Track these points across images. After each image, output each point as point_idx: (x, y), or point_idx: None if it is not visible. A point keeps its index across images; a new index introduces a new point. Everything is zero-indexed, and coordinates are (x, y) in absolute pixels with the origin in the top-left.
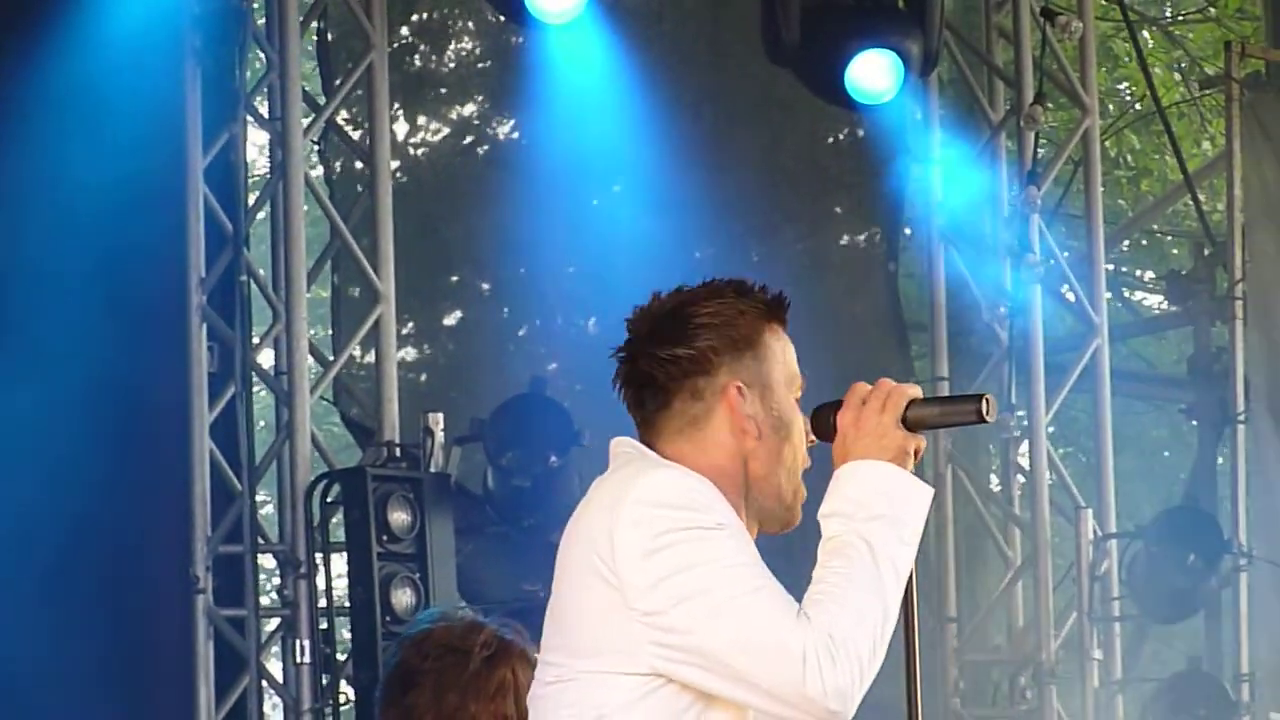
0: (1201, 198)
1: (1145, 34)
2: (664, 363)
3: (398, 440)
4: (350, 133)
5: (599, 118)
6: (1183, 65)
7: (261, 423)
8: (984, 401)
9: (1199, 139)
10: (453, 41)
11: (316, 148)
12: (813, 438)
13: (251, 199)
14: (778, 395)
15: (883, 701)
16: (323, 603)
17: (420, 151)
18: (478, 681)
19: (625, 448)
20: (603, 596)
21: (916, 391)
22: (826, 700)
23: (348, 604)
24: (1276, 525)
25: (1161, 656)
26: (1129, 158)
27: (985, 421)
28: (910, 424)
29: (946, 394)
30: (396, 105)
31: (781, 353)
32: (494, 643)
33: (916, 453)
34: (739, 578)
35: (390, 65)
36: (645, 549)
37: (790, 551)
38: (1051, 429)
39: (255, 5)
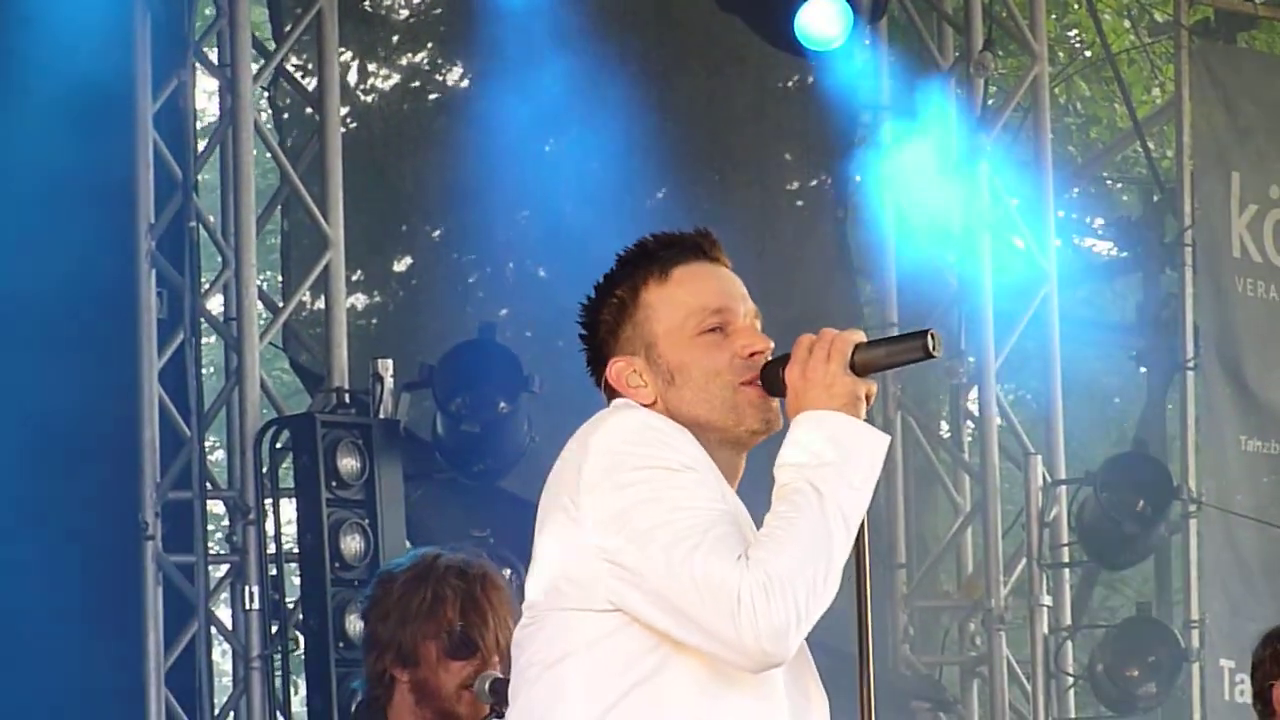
0: (1151, 145)
1: None
2: (590, 365)
3: (347, 386)
4: (300, 79)
5: (550, 65)
6: (1132, 12)
7: (210, 369)
8: (929, 336)
9: (1149, 86)
10: None
11: (266, 94)
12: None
13: (201, 145)
14: (661, 347)
15: (832, 646)
16: (272, 549)
17: (371, 98)
18: (400, 607)
19: (619, 402)
20: (568, 532)
21: (860, 336)
22: (760, 640)
23: (296, 550)
24: (1226, 471)
25: (1110, 602)
26: (1078, 105)
27: (932, 356)
28: (858, 369)
29: (890, 334)
30: (347, 52)
31: (665, 301)
32: (418, 567)
33: (868, 397)
34: (693, 518)
35: (341, 11)
36: (609, 485)
37: None
38: (1001, 375)
39: None
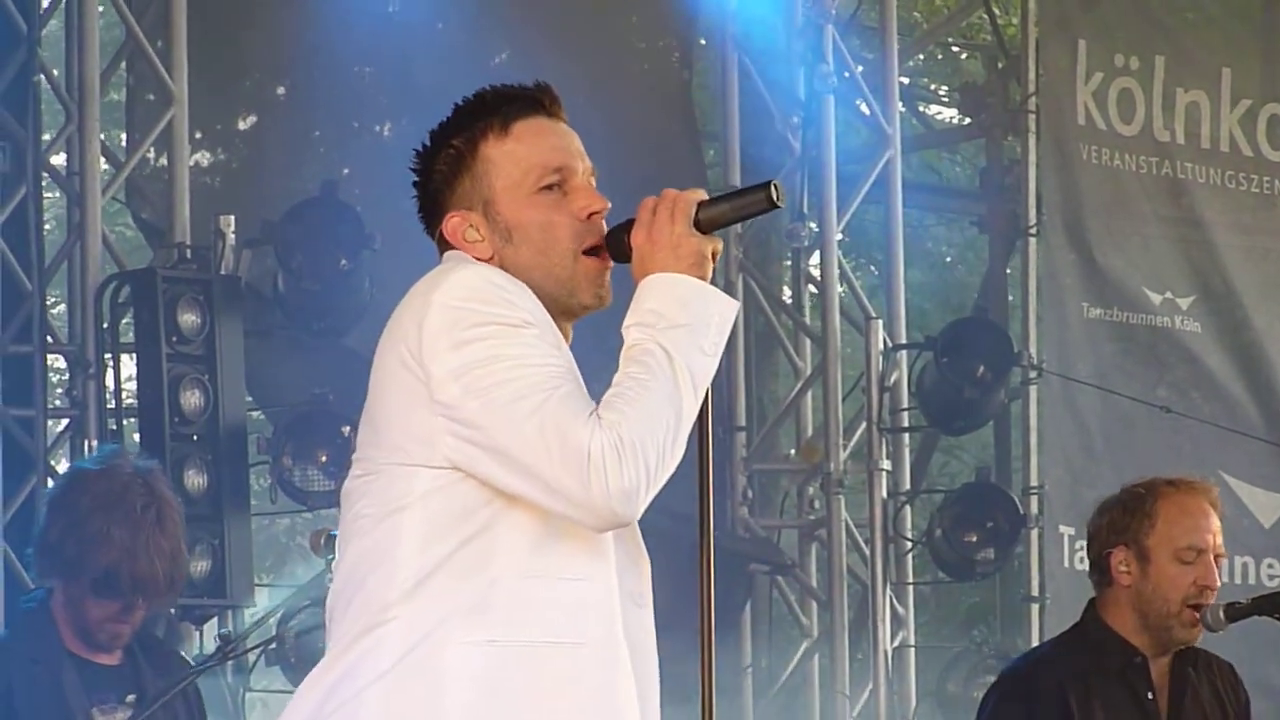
0: (996, 11)
1: None
2: (422, 214)
3: (189, 242)
4: None
5: None
6: None
7: (52, 223)
8: (772, 187)
9: None
10: None
11: None
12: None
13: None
14: (500, 203)
15: (670, 508)
16: (112, 404)
17: None
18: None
19: (454, 256)
20: (408, 387)
21: (702, 194)
22: (610, 500)
23: (136, 405)
24: (1066, 338)
25: (950, 468)
26: None
27: (777, 207)
28: (703, 226)
29: (731, 190)
30: None
31: (505, 155)
32: (103, 487)
33: (714, 255)
34: (537, 375)
35: None
36: (450, 341)
37: None
38: (843, 240)
39: None
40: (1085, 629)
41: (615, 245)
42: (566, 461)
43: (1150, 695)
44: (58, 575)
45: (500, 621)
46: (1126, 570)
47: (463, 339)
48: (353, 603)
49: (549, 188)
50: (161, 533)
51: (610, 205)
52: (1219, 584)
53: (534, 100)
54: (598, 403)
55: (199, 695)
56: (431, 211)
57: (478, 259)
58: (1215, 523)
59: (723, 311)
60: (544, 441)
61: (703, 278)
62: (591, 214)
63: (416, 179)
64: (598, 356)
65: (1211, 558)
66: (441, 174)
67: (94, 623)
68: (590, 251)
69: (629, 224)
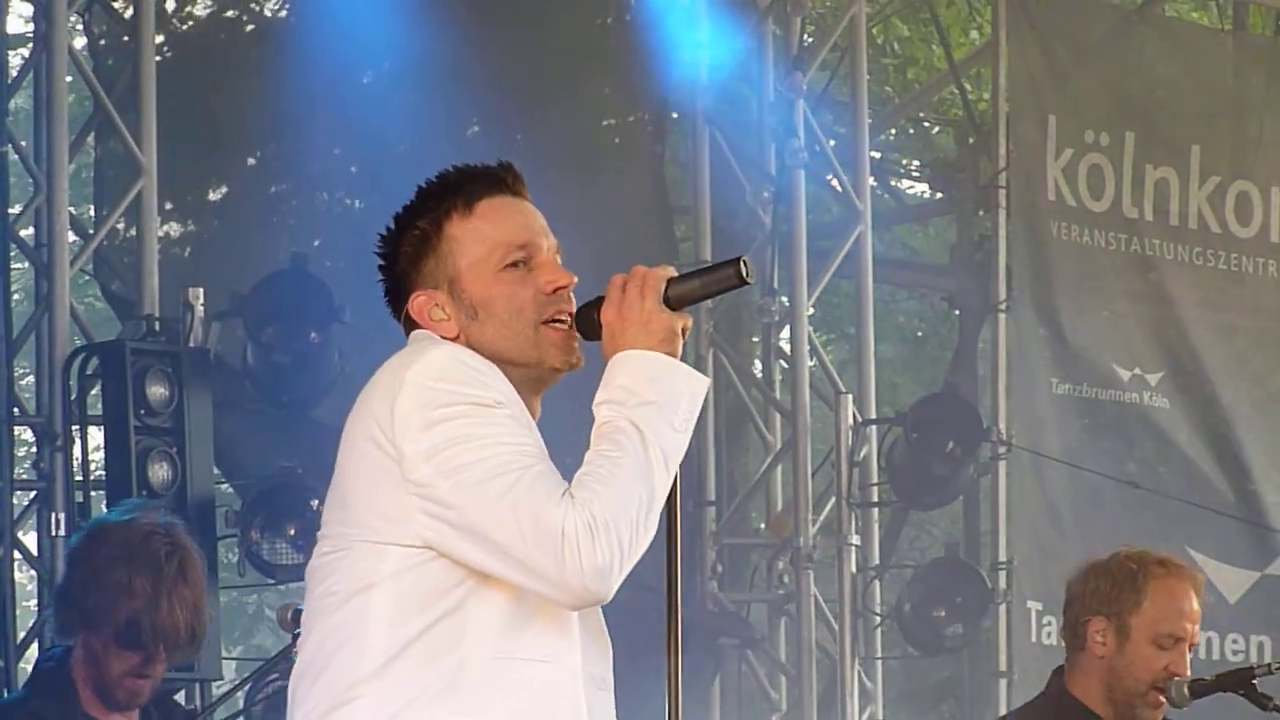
0: (968, 87)
1: None
2: (387, 296)
3: (158, 314)
4: (115, 5)
5: None
6: None
7: (20, 294)
8: (741, 263)
9: (967, 28)
10: None
11: (81, 19)
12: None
13: (14, 69)
14: (465, 281)
15: (639, 581)
16: (79, 476)
17: (187, 26)
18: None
19: (421, 335)
20: (379, 466)
21: (671, 271)
22: (584, 579)
23: (104, 477)
24: (1035, 414)
25: (919, 543)
26: (896, 45)
27: (746, 283)
28: (673, 302)
29: (700, 266)
30: None
31: (469, 234)
32: (120, 541)
33: (684, 331)
34: (510, 454)
35: None
36: (423, 420)
37: None
38: (813, 314)
39: None
40: (1050, 698)
41: (585, 322)
42: (540, 541)
43: None
44: (78, 628)
45: (469, 702)
46: (1103, 641)
47: (435, 418)
48: (319, 680)
49: (514, 265)
50: (185, 583)
51: (576, 280)
52: (1189, 674)
53: (497, 179)
54: (569, 480)
55: None
56: (397, 293)
57: (444, 337)
58: (1197, 611)
59: (693, 388)
60: (517, 521)
61: (673, 354)
62: (557, 288)
63: (381, 262)
64: (573, 425)
65: (1187, 646)
66: (407, 255)
67: (114, 678)
68: (552, 322)
69: (599, 301)
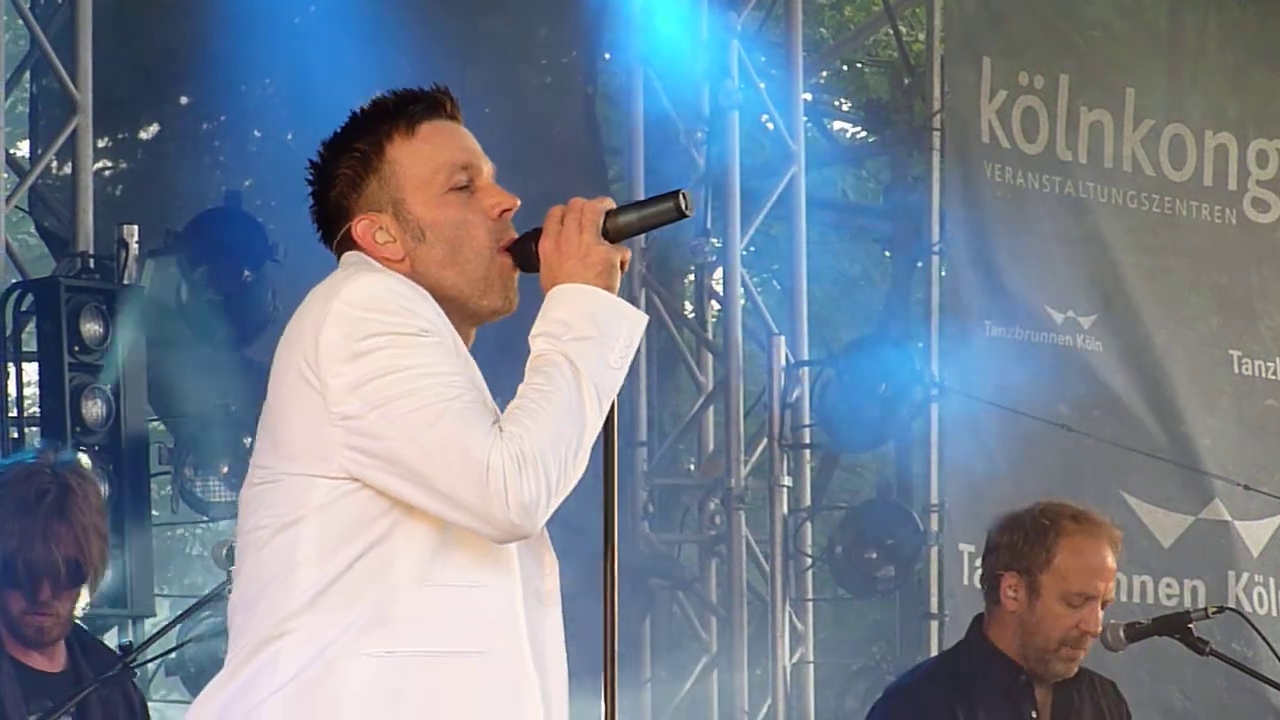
0: (902, 28)
1: None
2: (319, 221)
3: (92, 252)
4: None
5: None
6: None
7: None
8: (680, 196)
9: None
10: None
11: None
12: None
13: None
14: (410, 204)
15: (569, 521)
16: (14, 412)
17: None
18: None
19: (352, 259)
20: (305, 398)
21: (610, 203)
22: (509, 512)
23: (38, 414)
24: (968, 356)
25: (851, 485)
26: None
27: (686, 216)
28: (611, 235)
29: (640, 199)
30: None
31: (412, 156)
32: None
33: (623, 264)
34: (436, 385)
35: None
36: (347, 352)
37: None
38: (746, 255)
39: None
40: (971, 646)
41: (522, 254)
42: (466, 474)
43: (1034, 714)
44: None
45: (399, 632)
46: (1014, 597)
47: (360, 350)
48: (251, 614)
49: (459, 187)
50: (61, 519)
51: (520, 202)
52: (1100, 630)
53: (436, 102)
54: (502, 410)
55: (144, 702)
56: (332, 217)
57: (388, 259)
58: (1110, 566)
59: (631, 325)
60: (444, 454)
61: (611, 287)
62: (503, 210)
63: (314, 187)
64: (502, 367)
65: (1099, 603)
66: (345, 177)
67: (16, 616)
68: (502, 251)
69: (536, 233)
